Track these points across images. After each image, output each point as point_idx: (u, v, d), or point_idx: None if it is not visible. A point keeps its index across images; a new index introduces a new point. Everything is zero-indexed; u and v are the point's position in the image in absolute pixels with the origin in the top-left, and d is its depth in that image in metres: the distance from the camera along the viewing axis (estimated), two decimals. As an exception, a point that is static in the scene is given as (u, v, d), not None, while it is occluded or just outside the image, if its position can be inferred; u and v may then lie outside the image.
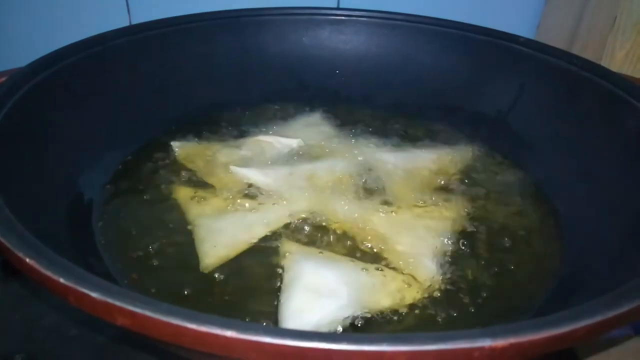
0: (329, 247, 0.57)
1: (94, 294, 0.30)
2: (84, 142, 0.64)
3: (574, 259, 0.58)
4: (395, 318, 0.49)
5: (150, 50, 0.78)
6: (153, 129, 0.74)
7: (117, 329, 0.30)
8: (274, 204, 0.61)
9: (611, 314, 0.32)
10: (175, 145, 0.72)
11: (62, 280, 0.31)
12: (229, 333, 0.28)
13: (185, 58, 0.81)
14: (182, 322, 0.29)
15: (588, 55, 0.78)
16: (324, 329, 0.46)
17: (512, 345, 0.30)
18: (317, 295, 0.48)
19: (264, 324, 0.48)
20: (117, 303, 0.30)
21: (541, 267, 0.57)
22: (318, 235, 0.58)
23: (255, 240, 0.57)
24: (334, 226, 0.59)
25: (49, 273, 0.32)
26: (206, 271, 0.53)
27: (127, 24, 0.97)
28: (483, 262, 0.57)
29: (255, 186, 0.64)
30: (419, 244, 0.57)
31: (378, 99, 0.86)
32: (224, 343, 0.29)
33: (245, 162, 0.68)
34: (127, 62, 0.75)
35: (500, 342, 0.30)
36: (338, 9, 0.91)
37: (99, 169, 0.65)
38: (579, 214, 0.63)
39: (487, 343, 0.29)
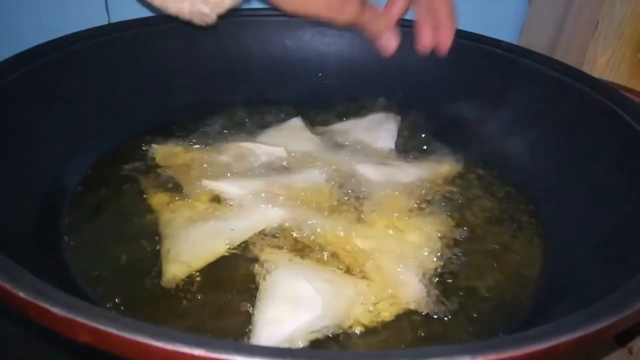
0: (304, 258, 0.55)
1: (55, 309, 0.29)
2: (56, 143, 0.63)
3: (557, 268, 0.57)
4: (373, 331, 0.48)
5: (127, 51, 0.76)
6: (129, 130, 0.72)
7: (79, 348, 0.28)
8: (248, 213, 0.59)
9: (594, 327, 0.31)
10: (154, 147, 0.71)
11: (22, 294, 0.30)
12: (198, 351, 0.27)
13: (164, 59, 0.79)
14: (148, 340, 0.27)
15: (570, 61, 0.78)
16: (299, 341, 0.45)
17: (492, 363, 0.29)
18: (293, 305, 0.47)
19: (236, 339, 0.46)
20: (80, 319, 0.28)
21: (525, 277, 0.56)
22: (295, 246, 0.56)
23: (227, 250, 0.56)
24: (311, 238, 0.57)
25: (7, 286, 0.30)
26: (168, 284, 0.51)
27: (106, 22, 0.95)
28: (465, 276, 0.56)
29: (230, 197, 0.62)
30: (399, 259, 0.55)
31: (362, 103, 0.84)
32: (193, 362, 0.27)
33: (223, 170, 0.67)
34: (103, 62, 0.73)
35: (479, 359, 0.29)
36: (320, 10, 0.90)
37: (71, 171, 0.63)
38: (561, 220, 0.63)
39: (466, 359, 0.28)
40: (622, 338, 0.58)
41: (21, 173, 0.56)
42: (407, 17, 0.85)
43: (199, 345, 0.27)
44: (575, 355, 0.32)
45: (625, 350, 0.60)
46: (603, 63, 0.78)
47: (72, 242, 0.55)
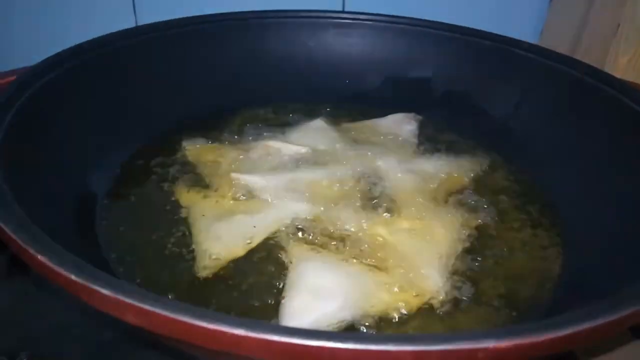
0: (330, 251, 0.57)
1: (105, 291, 0.31)
2: (91, 140, 0.65)
3: (576, 265, 0.58)
4: (395, 323, 0.50)
5: (156, 52, 0.79)
6: (160, 129, 0.75)
7: (120, 328, 0.30)
8: (275, 207, 0.61)
9: (612, 317, 0.33)
10: (185, 144, 0.73)
11: (73, 277, 0.32)
12: (239, 331, 0.29)
13: (191, 60, 0.82)
14: (192, 320, 0.29)
15: (591, 61, 0.79)
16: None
17: (515, 347, 0.30)
18: (318, 296, 0.49)
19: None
20: (128, 300, 0.30)
21: (545, 273, 0.57)
22: (319, 240, 0.58)
23: (255, 244, 0.58)
24: (336, 232, 0.59)
25: (61, 270, 0.32)
26: (202, 275, 0.53)
27: (133, 25, 0.98)
28: (487, 270, 0.57)
29: (258, 191, 0.64)
30: (423, 253, 0.57)
31: (383, 103, 0.86)
32: (234, 341, 0.29)
33: (251, 166, 0.69)
34: (133, 63, 0.76)
35: (504, 343, 0.30)
36: (343, 12, 0.92)
37: (105, 167, 0.66)
38: (581, 220, 0.63)
39: (491, 344, 0.30)
40: (638, 330, 0.59)
41: (61, 169, 0.58)
42: (419, 16, 0.88)
43: (239, 325, 0.29)
44: (594, 343, 0.33)
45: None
46: (624, 63, 0.79)
47: (107, 236, 0.58)
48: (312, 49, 0.89)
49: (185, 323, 0.29)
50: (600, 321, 0.33)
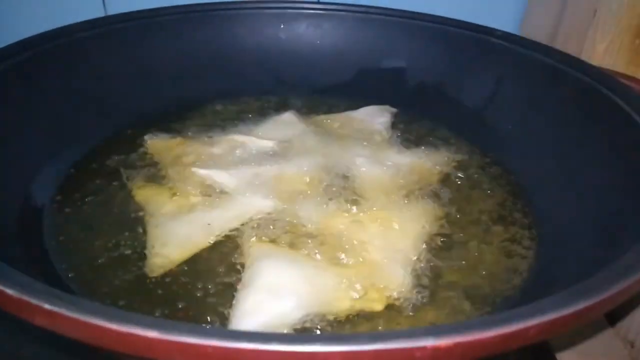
0: (291, 247, 0.54)
1: (10, 291, 0.28)
2: (45, 134, 0.63)
3: (547, 260, 0.56)
4: (356, 321, 0.48)
5: (120, 43, 0.76)
6: (120, 123, 0.72)
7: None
8: (236, 203, 0.59)
9: (565, 312, 0.30)
10: (147, 138, 0.71)
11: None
12: (152, 333, 0.26)
13: (157, 51, 0.79)
14: (102, 322, 0.27)
15: (569, 50, 0.76)
16: (278, 329, 0.44)
17: (457, 345, 0.28)
18: (273, 295, 0.46)
19: (200, 324, 0.46)
20: (34, 301, 0.28)
21: (514, 269, 0.55)
22: (281, 236, 0.56)
23: (212, 240, 0.55)
24: (298, 227, 0.57)
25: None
26: (153, 274, 0.51)
27: (102, 14, 0.95)
28: (454, 266, 0.54)
29: (220, 185, 0.62)
30: (387, 248, 0.55)
31: (357, 95, 0.84)
32: (147, 344, 0.27)
33: (215, 161, 0.66)
34: (97, 54, 0.73)
35: (444, 342, 0.28)
36: (316, 2, 0.89)
37: (57, 167, 0.63)
38: (554, 208, 0.61)
39: (429, 342, 0.28)
40: (613, 316, 0.57)
41: (10, 164, 0.56)
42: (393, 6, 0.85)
43: (153, 327, 0.27)
44: (551, 337, 0.31)
45: (628, 345, 0.58)
46: (602, 50, 0.76)
47: (56, 234, 0.55)
48: (283, 41, 0.87)
49: (94, 326, 0.27)
50: (552, 316, 0.30)
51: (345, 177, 0.65)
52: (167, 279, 0.51)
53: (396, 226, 0.58)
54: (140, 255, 0.53)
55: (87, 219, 0.58)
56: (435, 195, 0.64)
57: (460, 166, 0.70)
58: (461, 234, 0.59)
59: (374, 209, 0.60)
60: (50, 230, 0.56)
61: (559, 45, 0.84)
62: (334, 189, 0.63)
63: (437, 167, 0.69)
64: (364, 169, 0.67)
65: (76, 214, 0.58)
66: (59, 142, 0.65)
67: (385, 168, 0.67)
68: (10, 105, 0.60)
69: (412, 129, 0.78)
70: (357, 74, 0.86)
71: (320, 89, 0.85)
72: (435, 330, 0.28)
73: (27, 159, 0.60)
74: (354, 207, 0.60)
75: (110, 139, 0.70)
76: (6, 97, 0.60)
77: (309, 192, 0.62)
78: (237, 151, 0.69)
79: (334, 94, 0.84)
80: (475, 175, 0.69)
